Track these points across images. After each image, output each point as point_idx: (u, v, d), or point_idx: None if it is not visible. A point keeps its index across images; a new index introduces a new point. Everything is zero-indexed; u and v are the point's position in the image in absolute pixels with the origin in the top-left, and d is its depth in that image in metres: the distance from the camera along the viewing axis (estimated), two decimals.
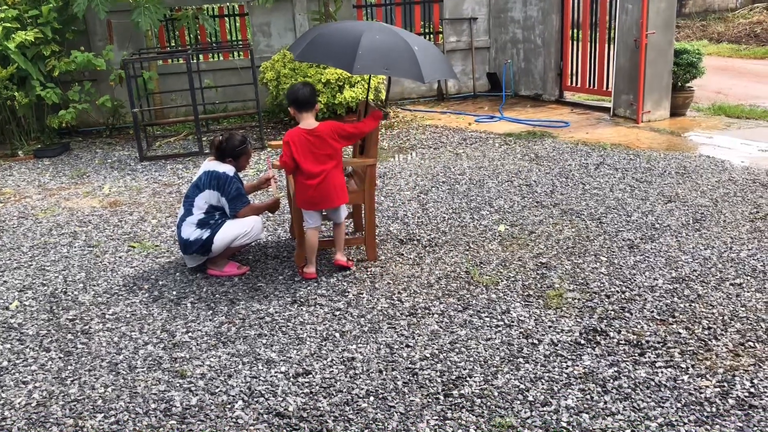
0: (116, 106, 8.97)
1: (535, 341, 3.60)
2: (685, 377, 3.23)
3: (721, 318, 3.76)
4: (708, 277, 4.26)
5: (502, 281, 4.32)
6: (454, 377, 3.30)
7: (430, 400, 3.14)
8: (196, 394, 3.26)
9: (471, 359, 3.45)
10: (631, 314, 3.84)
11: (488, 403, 3.09)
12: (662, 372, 3.27)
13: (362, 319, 3.92)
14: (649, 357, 3.41)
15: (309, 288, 4.35)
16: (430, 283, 4.33)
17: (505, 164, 6.97)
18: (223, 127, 9.32)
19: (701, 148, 7.34)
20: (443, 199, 5.98)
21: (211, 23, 9.21)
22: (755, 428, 2.86)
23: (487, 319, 3.85)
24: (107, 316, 4.10)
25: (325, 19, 9.33)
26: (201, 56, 9.58)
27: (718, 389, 3.13)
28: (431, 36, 10.95)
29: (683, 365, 3.32)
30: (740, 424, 2.88)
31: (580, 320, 3.80)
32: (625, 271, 4.38)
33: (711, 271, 4.34)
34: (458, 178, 6.57)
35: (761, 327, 3.65)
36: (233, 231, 4.48)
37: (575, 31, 10.00)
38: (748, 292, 4.05)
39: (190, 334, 3.84)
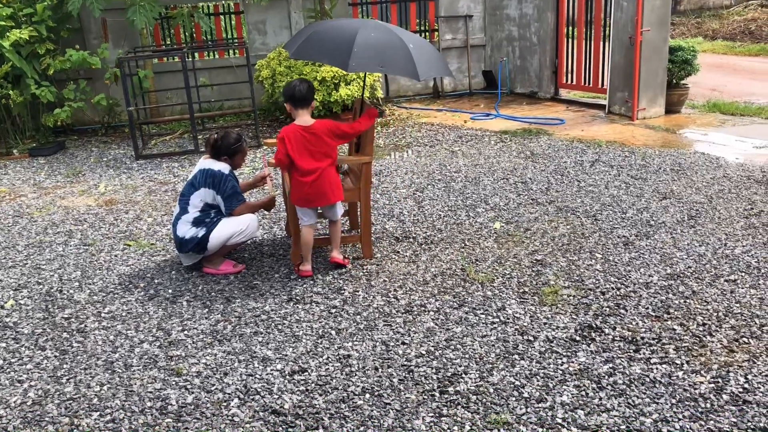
0: (111, 105, 8.95)
1: (531, 338, 3.61)
2: (680, 373, 3.24)
3: (715, 314, 3.77)
4: (703, 273, 4.28)
5: (497, 278, 4.33)
6: (449, 374, 3.31)
7: (425, 397, 3.14)
8: (192, 392, 3.26)
9: (466, 356, 3.46)
10: (626, 311, 3.85)
11: (484, 400, 3.10)
12: (657, 368, 3.29)
13: (358, 316, 3.92)
14: (644, 353, 3.42)
15: (305, 286, 4.35)
16: (426, 281, 4.34)
17: (500, 162, 6.98)
18: (219, 126, 9.31)
19: (696, 145, 7.36)
20: (439, 196, 5.98)
21: (207, 21, 9.20)
22: (749, 423, 2.87)
23: (483, 316, 3.86)
24: (103, 315, 4.10)
25: (321, 16, 9.32)
26: (196, 54, 9.57)
27: (712, 385, 3.14)
28: (427, 33, 10.94)
29: (678, 361, 3.34)
30: (734, 420, 2.90)
31: (575, 317, 3.81)
32: (620, 268, 4.40)
33: (706, 267, 4.36)
34: (454, 175, 6.57)
35: (755, 323, 3.66)
36: (229, 229, 4.48)
37: (570, 28, 10.02)
38: (742, 288, 4.06)
39: (185, 332, 3.84)
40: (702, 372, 3.25)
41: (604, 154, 7.06)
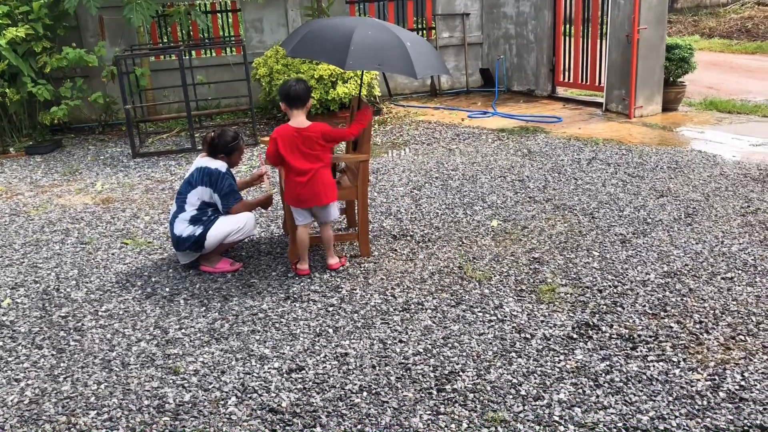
0: (108, 103, 8.94)
1: (528, 336, 3.61)
2: (677, 371, 3.25)
3: (712, 312, 3.78)
4: (699, 271, 4.28)
5: (494, 276, 4.33)
6: (447, 372, 3.31)
7: (423, 394, 3.15)
8: (190, 391, 3.26)
9: (464, 354, 3.46)
10: (623, 308, 3.86)
11: (481, 398, 3.10)
12: (654, 366, 3.29)
13: (355, 314, 3.92)
14: (641, 351, 3.43)
15: (302, 284, 4.35)
16: (423, 279, 4.34)
17: (497, 160, 6.98)
18: (216, 124, 9.30)
19: (693, 142, 7.37)
20: (436, 194, 5.98)
21: (204, 19, 9.17)
22: (746, 421, 2.88)
23: (480, 314, 3.86)
24: (100, 313, 4.10)
25: (318, 14, 9.31)
26: (193, 52, 9.55)
27: (709, 382, 3.15)
28: (424, 31, 10.94)
29: (675, 359, 3.34)
30: (731, 417, 2.90)
31: (572, 315, 3.81)
32: (617, 266, 4.40)
33: (702, 265, 4.36)
34: (451, 173, 6.58)
35: (752, 320, 3.67)
36: (226, 227, 4.48)
37: (567, 26, 10.02)
38: (739, 285, 4.07)
39: (183, 330, 3.84)
40: (699, 369, 3.25)
41: (601, 152, 7.07)
